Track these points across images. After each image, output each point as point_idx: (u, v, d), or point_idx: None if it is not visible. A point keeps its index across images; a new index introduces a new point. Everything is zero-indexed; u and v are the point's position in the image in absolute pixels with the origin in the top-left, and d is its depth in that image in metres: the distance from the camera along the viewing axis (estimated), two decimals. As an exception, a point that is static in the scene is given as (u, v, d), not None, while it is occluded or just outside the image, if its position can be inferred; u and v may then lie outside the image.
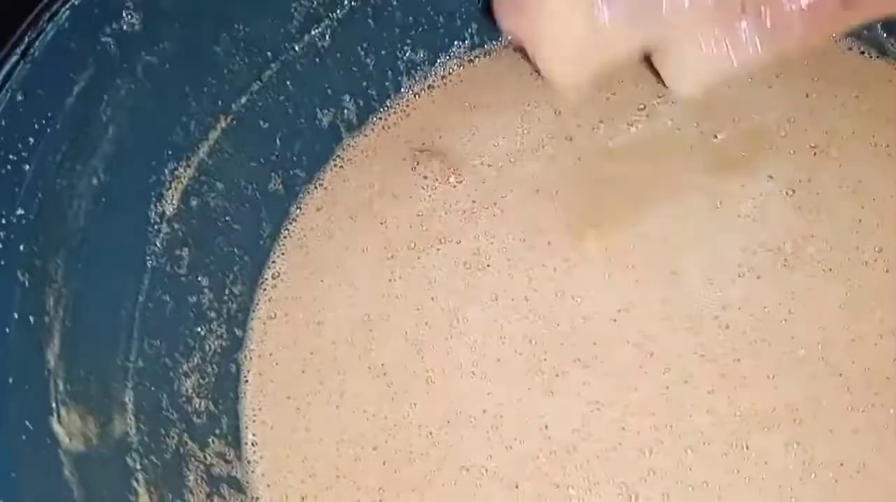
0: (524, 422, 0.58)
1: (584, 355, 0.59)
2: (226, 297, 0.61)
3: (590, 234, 0.63)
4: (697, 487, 0.56)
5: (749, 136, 0.64)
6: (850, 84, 0.65)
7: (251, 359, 0.62)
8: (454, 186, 0.65)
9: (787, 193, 0.62)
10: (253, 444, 0.60)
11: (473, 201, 0.65)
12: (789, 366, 0.58)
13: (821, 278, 0.60)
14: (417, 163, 0.66)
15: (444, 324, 0.61)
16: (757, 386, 0.58)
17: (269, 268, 0.64)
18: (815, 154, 0.63)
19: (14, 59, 0.46)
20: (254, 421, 0.60)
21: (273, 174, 0.64)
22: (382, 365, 0.61)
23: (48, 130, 0.47)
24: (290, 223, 0.65)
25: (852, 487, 0.55)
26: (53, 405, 0.47)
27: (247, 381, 0.61)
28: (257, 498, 0.58)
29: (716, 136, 0.64)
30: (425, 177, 0.65)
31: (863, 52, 0.66)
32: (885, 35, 0.65)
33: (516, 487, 0.57)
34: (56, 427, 0.47)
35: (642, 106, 0.66)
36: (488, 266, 0.63)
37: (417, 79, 0.69)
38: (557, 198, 0.64)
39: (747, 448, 0.56)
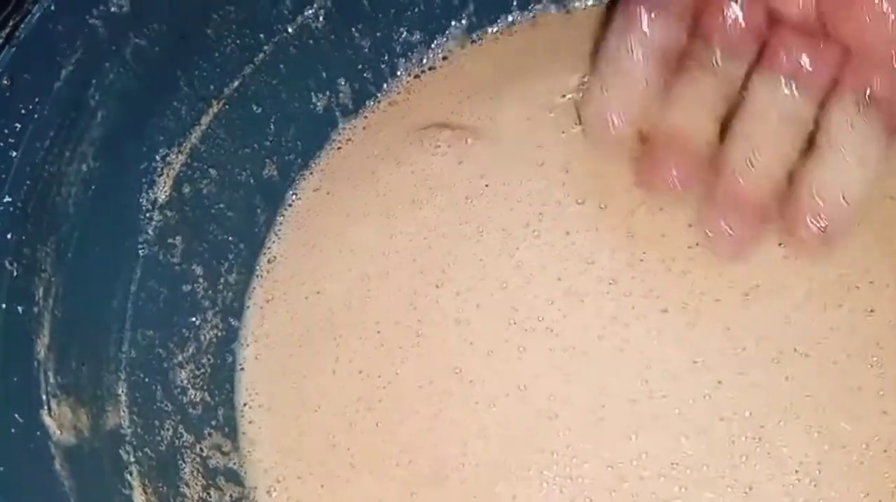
0: (504, 381, 0.57)
1: (548, 316, 0.58)
2: (220, 286, 0.60)
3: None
4: (696, 469, 0.54)
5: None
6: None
7: (247, 345, 0.61)
8: (465, 151, 0.63)
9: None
10: (250, 432, 0.59)
11: (489, 160, 0.63)
12: (819, 369, 0.55)
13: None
14: (424, 138, 0.64)
15: (437, 271, 0.60)
16: (769, 387, 0.55)
17: (264, 254, 0.63)
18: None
19: (-2, 42, 0.45)
20: (250, 407, 0.59)
21: (268, 160, 0.63)
22: (377, 322, 0.60)
23: (35, 115, 0.46)
24: (286, 208, 0.64)
25: (879, 467, 0.53)
26: (43, 397, 0.46)
27: (242, 369, 0.60)
28: (255, 488, 0.57)
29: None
30: (437, 146, 0.64)
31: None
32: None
33: (501, 448, 0.55)
34: (46, 419, 0.46)
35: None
36: (486, 186, 0.62)
37: (415, 61, 0.68)
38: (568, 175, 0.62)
39: (760, 439, 0.54)
